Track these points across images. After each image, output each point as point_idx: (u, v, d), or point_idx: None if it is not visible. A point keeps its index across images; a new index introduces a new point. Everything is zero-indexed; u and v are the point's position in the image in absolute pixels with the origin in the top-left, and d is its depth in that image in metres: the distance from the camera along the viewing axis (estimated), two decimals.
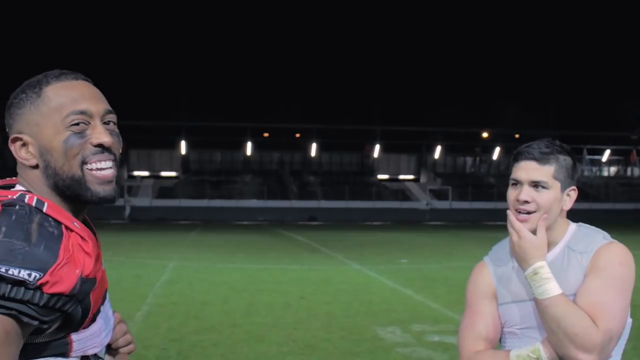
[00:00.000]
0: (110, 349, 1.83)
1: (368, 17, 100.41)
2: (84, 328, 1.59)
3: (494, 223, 52.96)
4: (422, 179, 68.94)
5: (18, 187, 1.66)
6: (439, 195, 63.11)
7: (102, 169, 1.67)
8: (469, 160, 72.32)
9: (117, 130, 1.75)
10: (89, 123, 1.66)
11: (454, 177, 68.34)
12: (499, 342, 2.57)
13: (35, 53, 66.96)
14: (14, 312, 1.39)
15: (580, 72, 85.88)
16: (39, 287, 1.41)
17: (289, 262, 19.26)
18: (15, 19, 72.60)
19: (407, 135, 68.28)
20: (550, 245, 2.49)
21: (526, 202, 2.43)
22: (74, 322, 1.53)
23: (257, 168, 67.53)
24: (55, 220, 1.53)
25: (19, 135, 1.65)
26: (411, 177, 70.10)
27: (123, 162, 63.12)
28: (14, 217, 1.48)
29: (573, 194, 2.52)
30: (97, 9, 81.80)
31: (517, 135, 71.31)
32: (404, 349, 8.24)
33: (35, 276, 1.40)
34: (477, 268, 2.67)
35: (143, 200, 55.99)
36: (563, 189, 2.48)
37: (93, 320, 1.61)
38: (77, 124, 1.64)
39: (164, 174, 66.01)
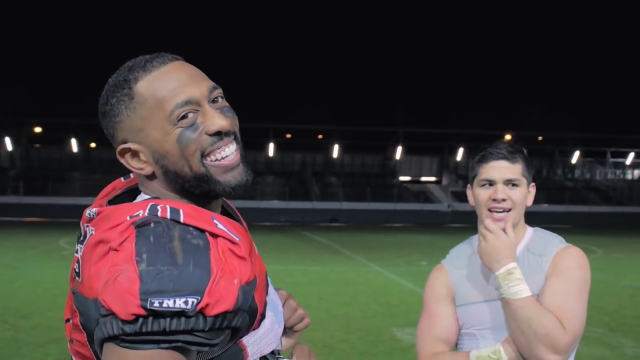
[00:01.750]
0: (284, 330, 1.68)
1: (391, 20, 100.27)
2: (253, 329, 1.42)
3: None
4: (444, 181, 68.73)
5: (143, 196, 1.52)
6: (460, 197, 62.85)
7: (225, 157, 1.48)
8: None
9: (227, 104, 1.53)
10: (198, 110, 1.45)
11: None
12: (455, 345, 2.60)
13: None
14: (179, 344, 1.25)
15: (604, 75, 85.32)
16: (200, 312, 1.23)
17: (310, 263, 19.37)
18: None
19: (429, 137, 68.16)
20: None
21: (503, 200, 2.48)
22: (242, 330, 1.36)
23: (279, 169, 67.61)
24: (197, 229, 1.33)
25: (126, 146, 1.48)
26: (433, 179, 69.92)
27: None
28: (151, 238, 1.28)
29: (533, 190, 2.61)
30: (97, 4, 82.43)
31: (540, 138, 70.95)
32: None
33: (193, 302, 1.22)
34: (434, 271, 2.71)
35: None
36: (527, 185, 2.56)
37: (262, 317, 1.43)
38: (186, 117, 1.44)
39: None
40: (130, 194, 1.60)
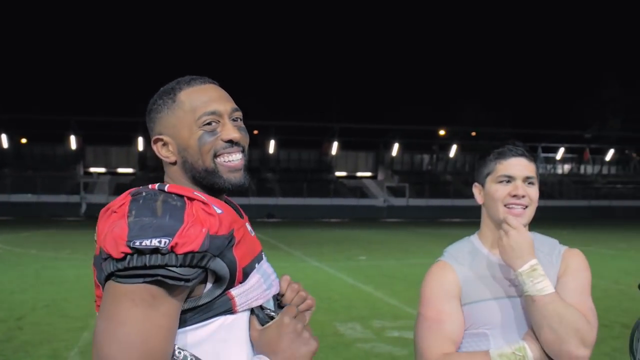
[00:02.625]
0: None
1: (326, 15, 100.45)
2: (239, 282, 1.74)
3: (450, 220, 53.55)
4: (380, 176, 69.25)
5: (159, 184, 1.84)
6: (396, 192, 63.46)
7: (231, 160, 1.90)
8: (426, 157, 72.79)
9: (243, 125, 1.97)
10: (219, 122, 1.89)
11: (411, 174, 68.74)
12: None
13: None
14: (158, 278, 1.57)
15: (535, 73, 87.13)
16: (172, 250, 1.57)
17: None
18: None
19: (365, 132, 68.58)
20: None
21: (522, 196, 2.48)
22: (223, 277, 1.69)
23: None
24: (177, 195, 1.72)
25: (160, 137, 1.91)
26: (369, 174, 70.33)
27: (79, 159, 62.98)
28: (140, 201, 1.68)
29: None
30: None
31: (473, 134, 72.07)
32: (364, 345, 8.38)
33: (165, 241, 1.56)
34: (437, 268, 2.59)
35: (99, 197, 55.34)
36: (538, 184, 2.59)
37: (246, 275, 1.76)
38: (209, 124, 1.87)
39: (120, 170, 65.35)
40: None
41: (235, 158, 1.90)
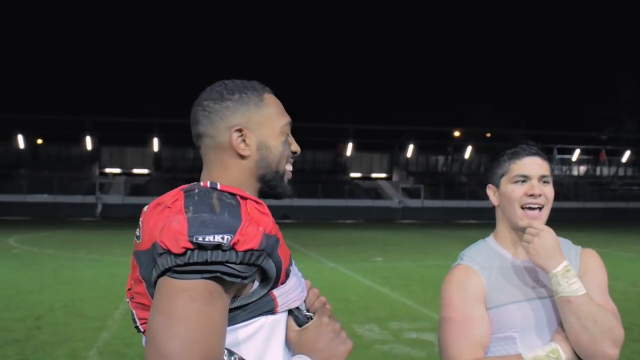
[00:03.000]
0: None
1: (342, 18, 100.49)
2: (282, 284, 1.76)
3: (465, 221, 53.41)
4: (395, 178, 69.16)
5: (210, 182, 1.83)
6: (411, 193, 63.36)
7: (291, 170, 2.00)
8: (441, 159, 72.62)
9: None
10: (289, 133, 1.99)
11: (426, 175, 68.61)
12: None
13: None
14: (217, 274, 1.58)
15: (551, 74, 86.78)
16: (233, 247, 1.58)
17: None
18: None
19: (380, 133, 68.53)
20: None
21: (539, 195, 2.46)
22: (270, 277, 1.71)
23: None
24: (230, 193, 1.74)
25: (242, 126, 1.90)
26: (384, 175, 70.27)
27: (95, 159, 63.24)
28: (196, 197, 1.69)
29: None
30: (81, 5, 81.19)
31: (488, 135, 71.90)
32: (382, 346, 8.36)
33: (228, 238, 1.57)
34: (459, 272, 2.53)
35: (115, 198, 55.64)
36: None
37: (287, 276, 1.78)
38: (287, 134, 1.97)
39: (136, 171, 65.55)
40: None
41: (291, 169, 2.01)
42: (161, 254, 1.60)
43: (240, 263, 1.60)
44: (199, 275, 1.57)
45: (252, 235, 1.61)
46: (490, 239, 2.64)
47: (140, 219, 1.81)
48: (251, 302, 1.72)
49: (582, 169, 75.01)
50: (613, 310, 2.37)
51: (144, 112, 64.47)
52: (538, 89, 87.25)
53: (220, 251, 1.57)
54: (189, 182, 1.88)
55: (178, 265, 1.57)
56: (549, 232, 2.37)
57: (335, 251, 22.48)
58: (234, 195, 1.74)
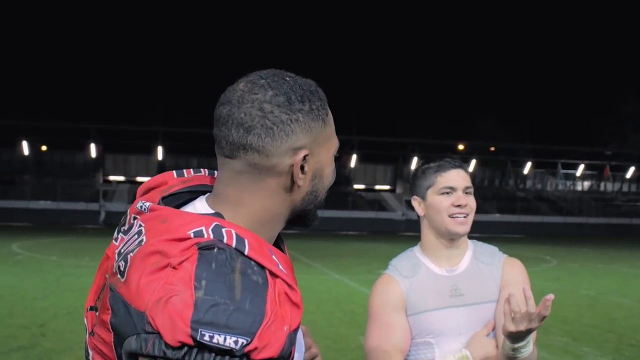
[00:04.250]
0: None
1: (345, 27, 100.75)
2: None
3: (468, 234, 53.25)
4: (398, 190, 69.11)
5: (205, 207, 1.46)
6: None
7: None
8: None
9: None
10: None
11: None
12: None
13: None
14: None
15: (555, 88, 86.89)
16: (246, 355, 1.20)
17: None
18: None
19: (384, 145, 68.52)
20: (456, 255, 2.70)
21: (464, 205, 2.63)
22: None
23: None
24: (259, 265, 1.29)
25: (307, 151, 1.42)
26: (387, 187, 70.26)
27: (99, 167, 63.32)
28: (213, 265, 1.24)
29: None
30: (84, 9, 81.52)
31: (492, 148, 71.90)
32: None
33: (243, 342, 1.19)
34: (382, 282, 2.71)
35: (118, 205, 55.53)
36: None
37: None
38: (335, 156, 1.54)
39: (139, 179, 65.51)
40: (190, 195, 1.54)
41: None
42: (150, 333, 1.20)
43: None
44: None
45: (274, 339, 1.22)
46: (416, 249, 2.80)
47: (119, 237, 1.46)
48: None
49: (586, 184, 74.90)
50: None
51: (148, 120, 64.52)
52: (543, 103, 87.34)
53: (228, 357, 1.19)
54: (193, 195, 1.51)
55: (168, 359, 1.19)
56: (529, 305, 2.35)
57: (340, 263, 22.43)
58: (263, 268, 1.29)
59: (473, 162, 68.51)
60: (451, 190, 2.64)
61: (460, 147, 70.14)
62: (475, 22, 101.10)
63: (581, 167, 71.81)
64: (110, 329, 1.28)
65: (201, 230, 1.29)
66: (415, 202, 2.77)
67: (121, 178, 65.00)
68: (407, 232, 56.26)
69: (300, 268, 20.01)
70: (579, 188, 74.13)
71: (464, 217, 2.62)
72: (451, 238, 2.66)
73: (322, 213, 38.52)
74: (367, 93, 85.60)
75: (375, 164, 70.52)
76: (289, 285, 1.31)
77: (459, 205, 2.61)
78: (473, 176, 71.58)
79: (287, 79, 1.44)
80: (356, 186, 68.51)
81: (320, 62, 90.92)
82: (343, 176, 68.87)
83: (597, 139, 74.86)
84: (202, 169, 1.61)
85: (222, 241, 1.29)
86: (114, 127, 63.72)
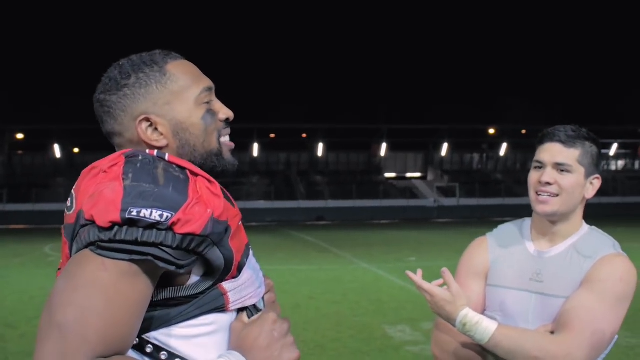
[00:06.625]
0: None
1: (373, 17, 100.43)
2: (233, 277, 1.54)
3: (501, 219, 52.69)
4: (429, 177, 68.88)
5: (157, 151, 1.61)
6: (446, 192, 63.01)
7: (228, 140, 1.72)
8: (476, 157, 72.16)
9: None
10: (212, 100, 1.69)
11: (461, 174, 68.22)
12: None
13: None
14: (149, 257, 1.35)
15: (586, 67, 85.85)
16: (171, 228, 1.35)
17: (298, 262, 19.27)
18: None
19: (414, 133, 68.26)
20: (557, 238, 2.43)
21: (548, 184, 2.38)
22: (216, 269, 1.48)
23: (264, 169, 67.44)
24: (179, 167, 1.50)
25: (148, 116, 1.59)
26: (418, 175, 70.02)
27: None
28: (138, 165, 1.44)
29: (597, 182, 2.46)
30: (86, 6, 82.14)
31: (523, 131, 71.23)
32: (413, 347, 8.22)
33: (167, 216, 1.34)
34: (476, 242, 2.65)
35: None
36: (587, 175, 2.42)
37: (239, 269, 1.56)
38: (208, 102, 1.66)
39: None
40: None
41: (228, 137, 1.73)
42: (84, 226, 1.36)
43: (177, 248, 1.36)
44: (126, 256, 1.34)
45: (197, 217, 1.38)
46: (527, 220, 2.60)
47: (73, 188, 1.55)
48: (193, 296, 1.48)
49: (620, 163, 73.96)
50: (587, 326, 2.18)
51: None
52: (574, 83, 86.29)
53: (155, 230, 1.34)
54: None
55: (102, 241, 1.33)
56: (432, 295, 2.36)
57: (369, 252, 22.32)
58: (183, 168, 1.50)
59: (504, 145, 67.98)
60: (541, 164, 2.43)
61: (491, 131, 69.62)
62: (503, 5, 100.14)
63: (614, 146, 70.90)
64: (70, 255, 1.44)
65: (127, 151, 1.53)
66: None
67: None
68: (440, 218, 56.03)
69: (330, 258, 20.02)
70: (613, 168, 73.23)
71: (549, 195, 2.37)
72: (543, 217, 2.44)
73: (354, 203, 38.86)
74: (394, 81, 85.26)
75: (405, 152, 70.32)
76: (209, 181, 1.52)
77: (540, 182, 2.39)
78: (504, 160, 70.91)
79: (120, 62, 1.65)
80: (387, 175, 68.38)
81: (346, 54, 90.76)
82: (373, 165, 68.79)
83: (630, 118, 73.84)
84: None
85: (145, 152, 1.53)
86: None
